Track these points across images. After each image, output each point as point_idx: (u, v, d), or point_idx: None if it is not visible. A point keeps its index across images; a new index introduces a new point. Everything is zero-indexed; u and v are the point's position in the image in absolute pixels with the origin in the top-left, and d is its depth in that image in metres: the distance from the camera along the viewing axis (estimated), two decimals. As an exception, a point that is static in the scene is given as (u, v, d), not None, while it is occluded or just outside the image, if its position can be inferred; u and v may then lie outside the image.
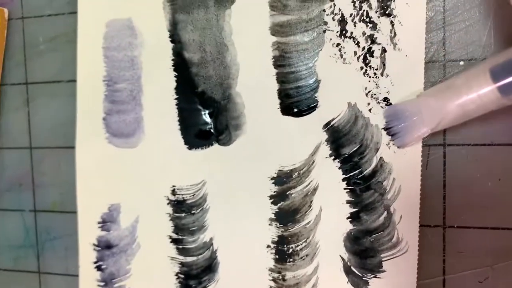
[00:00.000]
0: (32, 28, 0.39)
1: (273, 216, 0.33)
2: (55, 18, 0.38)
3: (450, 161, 0.30)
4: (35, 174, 0.40)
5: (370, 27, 0.31)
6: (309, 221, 0.33)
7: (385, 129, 0.31)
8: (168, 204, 0.35)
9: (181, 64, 0.34)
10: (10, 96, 0.40)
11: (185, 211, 0.35)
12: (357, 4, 0.31)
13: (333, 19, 0.31)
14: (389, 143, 0.31)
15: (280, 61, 0.32)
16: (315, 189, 0.32)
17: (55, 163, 0.39)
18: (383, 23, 0.30)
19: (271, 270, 0.33)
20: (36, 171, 0.40)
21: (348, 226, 0.32)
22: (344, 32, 0.31)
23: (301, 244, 0.33)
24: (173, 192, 0.35)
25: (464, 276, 0.30)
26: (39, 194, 0.40)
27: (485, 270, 0.30)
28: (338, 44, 0.31)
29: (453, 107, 0.26)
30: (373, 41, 0.31)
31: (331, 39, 0.32)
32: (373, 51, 0.31)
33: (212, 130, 0.34)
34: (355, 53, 0.31)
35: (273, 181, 0.33)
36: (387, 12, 0.30)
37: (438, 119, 0.27)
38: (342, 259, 0.32)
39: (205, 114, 0.34)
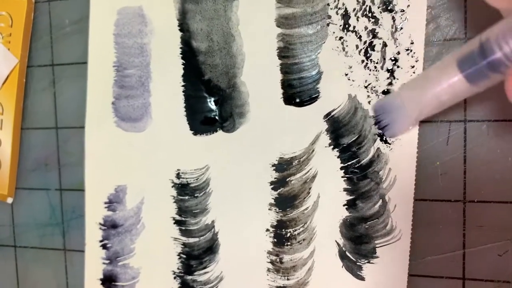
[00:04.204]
0: (58, 10, 0.40)
1: (273, 201, 0.35)
2: (80, 0, 0.39)
3: (471, 136, 0.31)
4: (61, 154, 0.41)
5: (372, 22, 0.32)
6: (307, 207, 0.34)
7: (375, 123, 0.32)
8: (172, 187, 0.37)
9: (188, 52, 0.36)
10: (36, 77, 0.41)
11: (188, 194, 0.36)
12: (360, -1, 0.32)
13: (337, 13, 0.32)
14: (381, 136, 0.32)
15: (285, 52, 0.34)
16: (314, 177, 0.34)
17: (80, 142, 0.39)
18: (385, 18, 0.31)
19: (269, 252, 0.35)
20: (62, 151, 0.41)
21: (344, 213, 0.33)
22: (347, 26, 0.32)
23: (299, 229, 0.34)
24: (178, 176, 0.37)
25: (484, 250, 0.31)
26: (64, 173, 0.41)
27: (504, 244, 0.31)
28: (340, 38, 0.33)
29: (429, 98, 0.27)
30: (375, 36, 0.32)
31: (334, 32, 0.33)
32: (374, 45, 0.32)
33: (217, 117, 0.36)
34: (357, 46, 0.32)
35: (274, 167, 0.34)
36: (389, 8, 0.31)
37: (418, 110, 0.28)
38: (338, 244, 0.34)
39: (210, 101, 0.36)
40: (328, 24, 0.33)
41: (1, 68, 0.40)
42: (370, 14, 0.32)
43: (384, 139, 0.32)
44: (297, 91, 0.34)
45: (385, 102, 0.31)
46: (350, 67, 0.32)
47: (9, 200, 0.42)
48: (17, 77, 0.40)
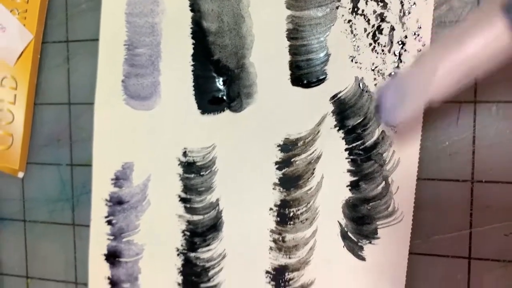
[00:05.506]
0: (74, -13, 0.41)
1: (277, 181, 0.35)
2: (96, -22, 0.39)
3: (480, 117, 0.31)
4: (73, 130, 0.41)
5: (380, 6, 0.32)
6: (311, 187, 0.35)
7: (376, 109, 0.31)
8: (179, 165, 0.37)
9: (199, 33, 0.36)
10: (51, 53, 0.42)
11: (194, 172, 0.37)
12: (370, -17, 0.32)
13: (346, -4, 0.33)
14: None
15: (293, 34, 0.34)
16: (318, 157, 0.34)
17: (92, 118, 0.40)
18: (393, 2, 0.32)
19: (272, 231, 0.35)
20: (74, 127, 0.41)
21: (347, 194, 0.34)
22: (355, 9, 0.33)
23: (302, 209, 0.35)
24: (184, 154, 0.37)
25: (491, 230, 0.31)
26: (76, 149, 0.41)
27: (511, 224, 0.31)
28: (349, 21, 0.33)
29: (454, 63, 0.21)
30: (383, 19, 0.32)
31: (343, 15, 0.33)
32: (382, 29, 0.32)
33: (224, 97, 0.36)
34: (365, 29, 0.33)
35: (279, 148, 0.35)
36: (398, -8, 0.32)
37: (429, 87, 0.23)
38: (340, 224, 0.34)
39: (219, 81, 0.36)
40: (337, 7, 0.33)
41: (16, 44, 0.40)
42: (379, -2, 0.32)
43: (389, 121, 0.32)
44: (304, 73, 0.34)
45: (386, 85, 0.28)
46: (358, 50, 0.33)
47: (20, 174, 0.43)
48: (31, 53, 0.41)
